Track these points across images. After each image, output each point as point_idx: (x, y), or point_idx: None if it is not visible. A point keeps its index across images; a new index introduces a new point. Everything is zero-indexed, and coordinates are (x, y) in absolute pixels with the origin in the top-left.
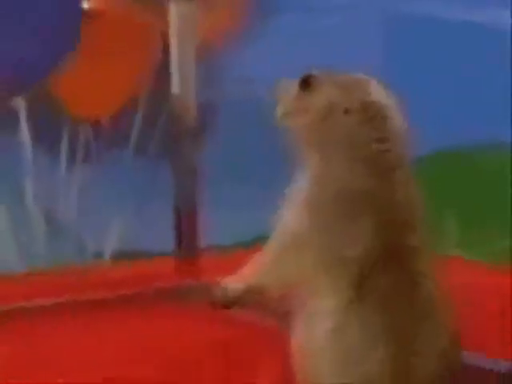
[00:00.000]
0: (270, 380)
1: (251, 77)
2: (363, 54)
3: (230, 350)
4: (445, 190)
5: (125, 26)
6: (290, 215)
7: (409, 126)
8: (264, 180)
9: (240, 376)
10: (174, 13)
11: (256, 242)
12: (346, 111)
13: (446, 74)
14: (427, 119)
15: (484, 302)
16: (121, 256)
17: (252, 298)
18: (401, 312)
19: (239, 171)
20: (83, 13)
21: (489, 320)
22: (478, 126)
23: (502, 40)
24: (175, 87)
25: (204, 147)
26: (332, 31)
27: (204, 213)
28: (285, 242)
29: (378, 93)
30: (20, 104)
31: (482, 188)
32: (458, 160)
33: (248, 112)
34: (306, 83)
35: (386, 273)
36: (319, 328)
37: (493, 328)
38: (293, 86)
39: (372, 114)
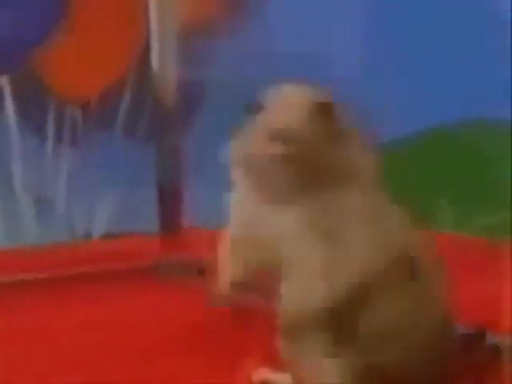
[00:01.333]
0: (255, 355)
1: (239, 56)
2: (348, 42)
3: (210, 325)
4: (436, 167)
5: (113, 1)
6: None
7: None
8: None
9: (222, 353)
10: None
11: None
12: None
13: (429, 43)
14: (417, 97)
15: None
16: (108, 235)
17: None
18: None
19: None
20: None
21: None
22: (462, 102)
23: (490, 15)
24: (155, 62)
25: (191, 126)
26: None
27: (189, 192)
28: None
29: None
30: (5, 83)
31: (472, 165)
32: (445, 137)
33: (236, 91)
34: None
35: None
36: None
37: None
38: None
39: None
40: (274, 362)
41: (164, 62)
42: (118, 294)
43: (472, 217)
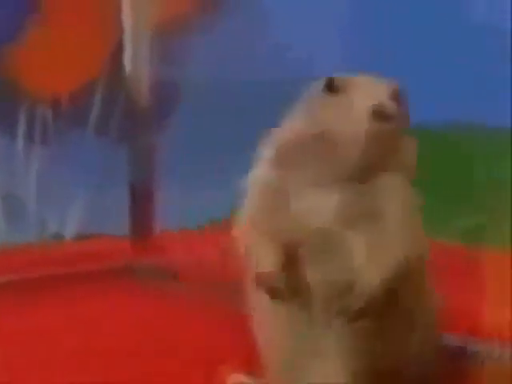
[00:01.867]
0: (231, 359)
1: (215, 57)
2: (335, 41)
3: (185, 328)
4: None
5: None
6: None
7: None
8: (224, 162)
9: (198, 357)
10: None
11: (212, 224)
12: None
13: (419, 44)
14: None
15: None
16: (80, 236)
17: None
18: None
19: (197, 155)
20: None
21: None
22: (445, 104)
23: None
24: (127, 62)
25: (167, 127)
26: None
27: (161, 194)
28: None
29: None
30: None
31: (453, 167)
32: (426, 138)
33: (212, 93)
34: None
35: None
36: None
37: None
38: None
39: None
40: (251, 367)
41: (137, 62)
42: (90, 296)
43: (449, 220)
